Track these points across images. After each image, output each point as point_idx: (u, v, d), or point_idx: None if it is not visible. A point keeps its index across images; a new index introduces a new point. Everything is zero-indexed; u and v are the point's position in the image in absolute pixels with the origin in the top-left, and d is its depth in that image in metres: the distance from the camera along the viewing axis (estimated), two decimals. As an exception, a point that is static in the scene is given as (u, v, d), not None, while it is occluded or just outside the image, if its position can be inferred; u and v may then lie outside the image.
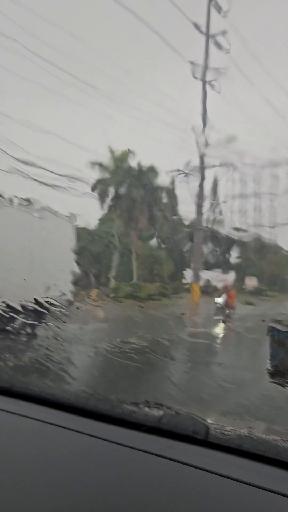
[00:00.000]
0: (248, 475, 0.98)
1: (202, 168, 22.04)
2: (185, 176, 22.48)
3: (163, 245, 31.66)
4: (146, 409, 1.29)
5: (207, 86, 21.87)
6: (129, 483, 0.97)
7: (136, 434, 1.18)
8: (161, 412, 1.27)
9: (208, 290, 25.96)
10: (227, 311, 15.57)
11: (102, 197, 26.99)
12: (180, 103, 37.38)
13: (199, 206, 22.17)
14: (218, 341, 11.23)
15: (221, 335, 12.01)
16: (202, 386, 5.67)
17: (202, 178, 22.08)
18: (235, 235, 27.04)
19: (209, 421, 1.22)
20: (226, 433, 1.15)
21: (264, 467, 1.04)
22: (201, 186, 22.10)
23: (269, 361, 5.12)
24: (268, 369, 4.78)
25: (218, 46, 21.75)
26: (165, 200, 29.66)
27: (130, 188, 26.53)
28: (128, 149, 27.20)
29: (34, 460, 1.07)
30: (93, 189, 25.85)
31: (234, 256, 35.53)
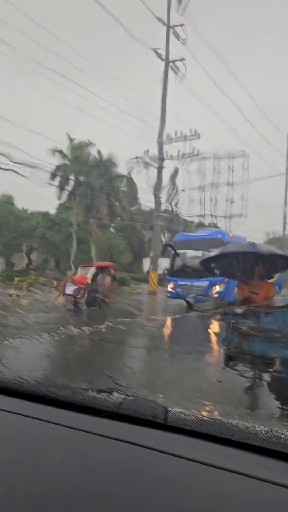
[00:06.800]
0: (205, 455, 1.02)
1: (161, 158, 22.08)
2: (144, 165, 22.46)
3: (121, 234, 31.65)
4: (106, 395, 1.30)
5: (168, 76, 21.89)
6: (90, 468, 0.98)
7: (96, 420, 1.19)
8: (121, 398, 1.28)
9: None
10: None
11: (61, 185, 26.48)
12: (141, 93, 37.32)
13: (157, 196, 22.25)
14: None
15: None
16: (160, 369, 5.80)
17: (161, 168, 22.13)
18: (192, 224, 27.45)
19: (168, 405, 1.25)
20: (184, 416, 1.18)
21: (220, 447, 1.08)
22: (159, 176, 22.16)
23: (222, 346, 5.27)
24: (222, 354, 4.91)
25: (178, 37, 21.79)
26: (124, 189, 29.56)
27: (89, 177, 26.17)
28: (88, 139, 26.86)
29: None
30: (52, 177, 25.32)
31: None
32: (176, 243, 15.84)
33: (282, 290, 17.01)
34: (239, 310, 5.01)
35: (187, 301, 14.58)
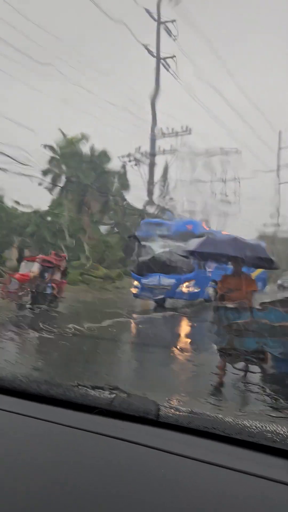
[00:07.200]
0: (197, 451, 1.03)
1: (153, 154, 22.05)
2: (136, 162, 22.40)
3: (114, 230, 31.55)
4: (98, 392, 1.30)
5: (161, 73, 21.86)
6: (82, 465, 0.98)
7: (88, 417, 1.19)
8: (113, 395, 1.28)
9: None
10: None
11: (53, 181, 26.33)
12: (134, 88, 37.25)
13: (150, 192, 22.23)
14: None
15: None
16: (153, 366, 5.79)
17: (153, 164, 22.10)
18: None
19: (159, 401, 1.25)
20: (175, 412, 1.19)
21: (212, 443, 1.09)
22: (152, 171, 22.13)
23: (215, 343, 5.30)
24: (216, 351, 4.92)
25: (169, 32, 21.77)
26: (116, 185, 29.45)
27: (82, 173, 26.03)
28: (81, 133, 26.66)
29: None
30: (44, 173, 25.16)
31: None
32: (141, 234, 13.87)
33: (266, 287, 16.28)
34: (229, 306, 5.03)
35: (155, 300, 13.03)
